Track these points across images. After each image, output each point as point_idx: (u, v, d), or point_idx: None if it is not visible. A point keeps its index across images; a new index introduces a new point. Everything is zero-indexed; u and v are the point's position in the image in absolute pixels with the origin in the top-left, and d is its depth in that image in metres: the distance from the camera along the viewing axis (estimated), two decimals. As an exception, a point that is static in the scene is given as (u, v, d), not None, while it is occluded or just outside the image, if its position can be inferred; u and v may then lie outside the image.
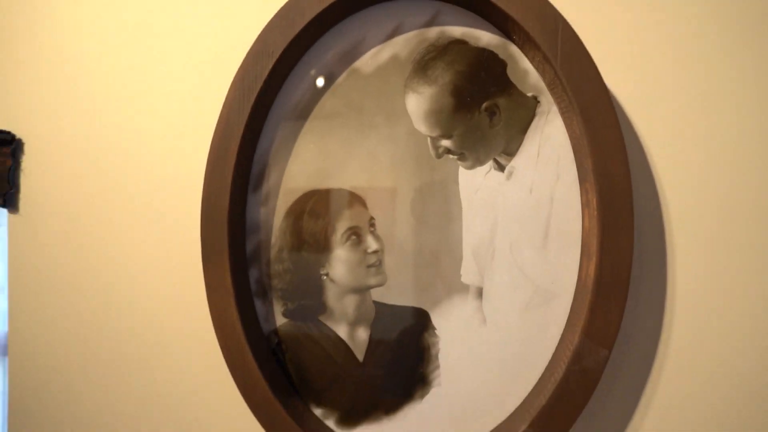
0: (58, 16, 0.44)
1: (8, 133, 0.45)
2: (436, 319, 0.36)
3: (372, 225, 0.36)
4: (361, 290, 0.37)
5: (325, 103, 0.37)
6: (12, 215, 0.46)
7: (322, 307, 0.37)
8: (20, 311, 0.46)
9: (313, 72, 0.37)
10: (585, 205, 0.32)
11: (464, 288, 0.35)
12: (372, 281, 0.36)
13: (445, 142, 0.35)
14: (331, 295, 0.37)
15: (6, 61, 0.45)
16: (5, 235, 0.47)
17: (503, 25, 0.33)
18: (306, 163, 0.38)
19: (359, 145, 0.37)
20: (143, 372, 0.42)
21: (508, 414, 0.35)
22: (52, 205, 0.45)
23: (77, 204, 0.44)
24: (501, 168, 0.35)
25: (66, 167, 0.44)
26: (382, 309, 0.37)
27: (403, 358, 0.36)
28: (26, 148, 0.45)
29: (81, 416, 0.44)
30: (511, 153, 0.35)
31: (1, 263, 0.48)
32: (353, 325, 0.37)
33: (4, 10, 0.46)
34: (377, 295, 0.37)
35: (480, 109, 0.35)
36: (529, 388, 0.34)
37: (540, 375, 0.34)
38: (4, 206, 0.45)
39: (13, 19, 0.45)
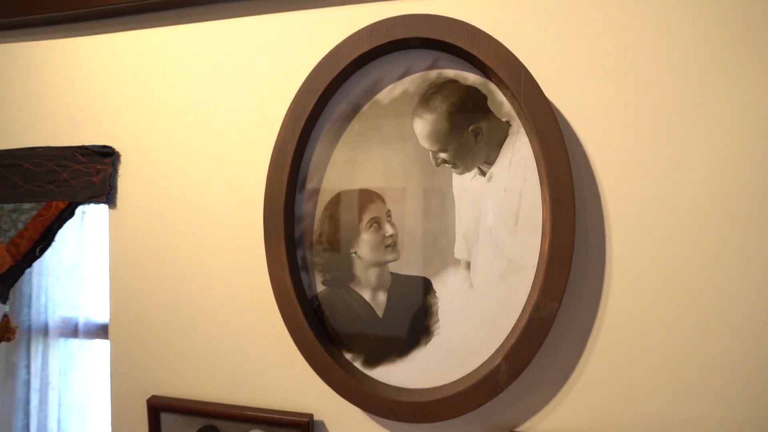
0: (149, 60, 0.58)
1: (110, 147, 0.59)
2: (436, 285, 0.49)
3: (389, 215, 0.49)
4: (381, 264, 0.50)
5: (354, 126, 0.50)
6: (112, 210, 0.60)
7: (351, 277, 0.51)
8: (119, 290, 0.60)
9: (345, 103, 0.50)
10: (543, 201, 0.45)
11: (457, 262, 0.48)
12: (389, 257, 0.49)
13: (442, 155, 0.48)
14: (358, 268, 0.50)
15: (109, 96, 0.59)
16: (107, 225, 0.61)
17: (483, 70, 0.46)
18: (339, 170, 0.51)
19: (379, 156, 0.50)
20: (222, 327, 0.55)
21: (490, 354, 0.47)
22: (142, 202, 0.59)
23: (164, 200, 0.58)
24: (483, 173, 0.47)
25: (153, 173, 0.58)
26: (397, 278, 0.50)
27: (412, 314, 0.49)
28: (122, 159, 0.59)
29: (177, 385, 0.57)
30: (490, 162, 0.47)
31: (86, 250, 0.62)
32: (375, 290, 0.50)
33: (105, 55, 0.60)
34: (393, 267, 0.50)
35: (468, 130, 0.47)
36: (505, 334, 0.47)
37: (512, 324, 0.47)
38: (106, 203, 0.59)
39: (115, 62, 0.59)
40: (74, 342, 1.22)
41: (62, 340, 1.21)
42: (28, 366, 1.22)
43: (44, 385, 1.23)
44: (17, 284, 1.20)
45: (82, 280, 1.19)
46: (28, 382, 1.23)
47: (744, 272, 0.43)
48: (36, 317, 1.22)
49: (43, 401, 1.23)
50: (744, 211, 0.43)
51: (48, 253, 0.80)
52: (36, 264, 1.20)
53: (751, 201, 0.42)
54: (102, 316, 1.21)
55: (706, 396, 0.44)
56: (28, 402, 1.23)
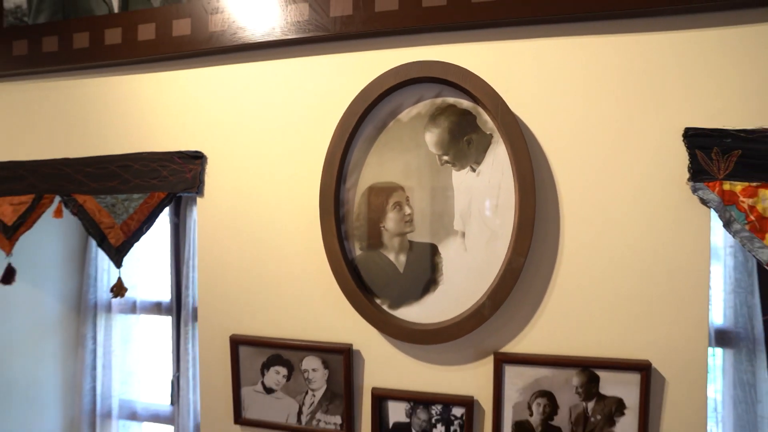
0: (231, 89, 0.79)
1: (200, 152, 0.81)
2: (441, 249, 0.69)
3: (407, 200, 0.70)
4: (402, 234, 0.71)
5: (382, 137, 0.71)
6: (200, 198, 0.81)
7: (380, 244, 0.71)
8: (206, 257, 0.81)
9: (376, 121, 0.71)
10: (515, 189, 0.66)
11: (455, 232, 0.69)
12: (407, 230, 0.70)
13: (445, 157, 0.69)
14: (386, 237, 0.71)
15: (200, 115, 0.81)
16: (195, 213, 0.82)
17: (474, 98, 0.67)
18: (372, 169, 0.72)
19: (400, 159, 0.71)
20: (286, 282, 0.76)
21: (479, 296, 0.68)
22: (223, 192, 0.80)
23: (240, 190, 0.79)
24: (474, 170, 0.68)
25: (232, 171, 0.80)
26: (413, 244, 0.70)
27: (424, 270, 0.70)
28: (208, 161, 0.81)
29: (251, 325, 0.78)
30: (479, 162, 0.68)
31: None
32: (397, 253, 0.71)
33: (196, 86, 0.81)
34: (410, 237, 0.70)
35: (463, 140, 0.68)
36: (489, 282, 0.67)
37: (494, 275, 0.67)
38: (197, 193, 0.81)
39: (204, 91, 0.81)
40: (132, 317, 1.45)
41: (122, 316, 1.45)
42: (94, 337, 1.46)
43: (107, 353, 1.48)
44: (85, 268, 1.44)
45: (138, 266, 1.43)
46: (94, 351, 1.47)
47: (655, 230, 0.63)
48: (100, 296, 1.46)
49: (107, 367, 1.47)
50: (653, 191, 0.63)
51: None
52: (100, 251, 1.43)
53: (657, 185, 0.63)
54: (154, 296, 1.44)
55: (632, 323, 0.64)
56: (94, 368, 1.47)
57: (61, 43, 0.84)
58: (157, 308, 1.46)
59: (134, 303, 1.48)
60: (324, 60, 0.74)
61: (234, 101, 0.79)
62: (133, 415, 1.51)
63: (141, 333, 1.51)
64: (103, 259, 1.46)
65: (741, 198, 0.62)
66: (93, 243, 1.40)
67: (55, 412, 1.44)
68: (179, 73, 0.81)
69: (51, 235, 1.29)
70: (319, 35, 0.72)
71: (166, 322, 1.43)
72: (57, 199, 0.88)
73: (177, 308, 1.40)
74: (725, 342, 0.96)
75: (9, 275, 0.93)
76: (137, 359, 1.51)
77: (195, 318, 1.34)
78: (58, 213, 0.88)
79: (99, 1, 0.84)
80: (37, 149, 0.89)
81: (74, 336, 1.50)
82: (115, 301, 1.48)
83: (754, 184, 0.61)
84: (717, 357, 0.96)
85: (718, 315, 0.96)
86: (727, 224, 0.62)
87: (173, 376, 1.40)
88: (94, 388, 1.50)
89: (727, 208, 0.62)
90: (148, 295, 1.47)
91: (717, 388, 0.94)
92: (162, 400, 1.46)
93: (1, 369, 1.27)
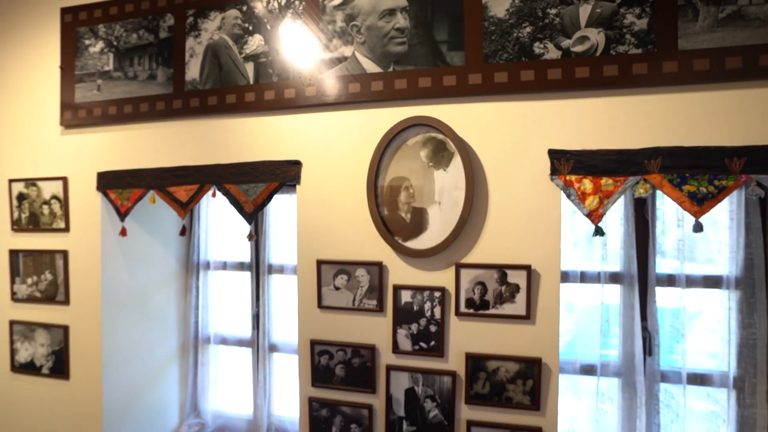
0: (318, 122, 1.49)
1: (299, 160, 1.51)
2: (428, 211, 1.38)
3: (411, 186, 1.39)
4: (408, 203, 1.39)
5: (397, 154, 1.40)
6: (299, 186, 1.51)
7: (397, 209, 1.40)
8: (303, 222, 1.51)
9: (393, 146, 1.40)
10: (465, 179, 1.34)
11: (435, 202, 1.37)
12: (410, 201, 1.39)
13: (430, 164, 1.38)
14: (399, 205, 1.40)
15: (299, 139, 1.51)
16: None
17: (444, 133, 1.36)
18: (392, 170, 1.41)
19: (407, 165, 1.39)
20: (345, 229, 1.46)
21: (447, 234, 1.36)
22: (312, 183, 1.50)
23: (321, 182, 1.49)
24: (445, 170, 1.37)
25: (318, 170, 1.49)
26: (413, 208, 1.39)
27: (419, 221, 1.39)
28: (303, 165, 1.51)
29: (328, 253, 1.48)
30: (447, 166, 1.36)
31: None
32: (405, 213, 1.40)
33: (297, 121, 1.52)
34: (412, 205, 1.39)
35: (439, 154, 1.37)
36: (452, 227, 1.35)
37: (455, 224, 1.35)
38: (298, 183, 1.51)
39: (301, 123, 1.51)
40: (223, 273, 2.15)
41: (216, 271, 2.15)
42: (197, 286, 2.16)
43: (205, 297, 2.18)
44: (191, 238, 2.13)
45: (227, 235, 2.13)
46: (197, 296, 2.16)
47: (535, 198, 1.31)
48: (201, 257, 2.16)
49: (204, 306, 2.17)
50: (534, 179, 1.31)
51: (210, 216, 1.71)
52: (202, 222, 2.13)
53: (537, 176, 1.31)
54: (239, 257, 2.12)
55: (522, 246, 1.32)
56: (197, 307, 2.17)
57: (221, 100, 1.55)
58: (240, 266, 2.17)
59: (225, 263, 2.19)
60: (368, 112, 1.44)
61: (318, 132, 1.49)
62: (223, 341, 2.22)
63: (229, 283, 2.21)
64: (201, 234, 2.17)
65: (574, 183, 1.29)
66: (196, 222, 2.09)
67: (174, 335, 2.15)
68: (287, 117, 1.52)
69: (173, 217, 2.00)
70: (366, 100, 1.41)
71: (246, 276, 2.13)
72: (213, 187, 1.59)
73: (256, 265, 2.10)
74: (615, 280, 1.65)
75: (183, 231, 1.65)
76: (226, 302, 2.22)
77: (270, 272, 2.04)
78: (213, 194, 1.58)
79: (241, 76, 1.55)
80: (202, 158, 1.60)
81: (184, 285, 2.21)
82: (212, 261, 2.19)
83: (580, 176, 1.29)
84: (610, 291, 1.63)
85: (615, 262, 1.63)
86: (568, 196, 1.30)
87: (253, 311, 2.10)
88: (196, 322, 2.21)
89: (567, 188, 1.30)
90: (235, 256, 2.17)
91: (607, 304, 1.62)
92: (243, 331, 2.16)
93: (146, 301, 1.98)
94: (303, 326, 1.51)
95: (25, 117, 1.83)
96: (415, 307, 1.39)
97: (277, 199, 1.70)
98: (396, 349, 1.41)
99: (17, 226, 1.84)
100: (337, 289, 1.46)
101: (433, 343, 1.38)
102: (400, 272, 1.41)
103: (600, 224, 1.27)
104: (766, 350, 1.58)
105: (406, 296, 1.40)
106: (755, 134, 1.15)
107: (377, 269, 1.41)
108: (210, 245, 2.19)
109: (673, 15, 1.20)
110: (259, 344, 2.08)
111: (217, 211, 2.13)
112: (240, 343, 2.16)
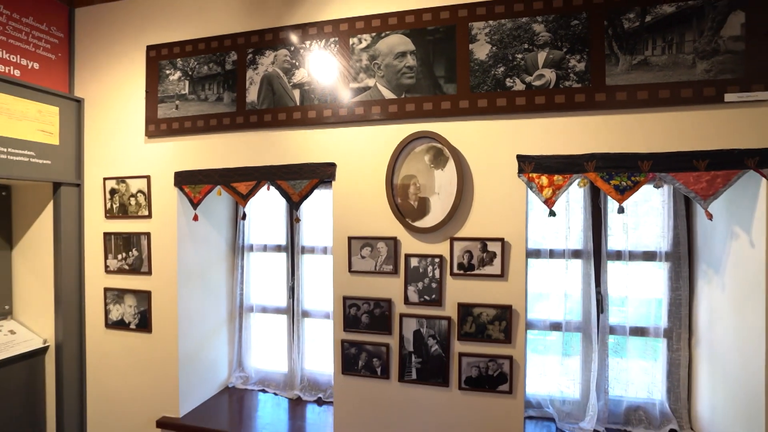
0: (348, 136, 2.04)
1: (333, 162, 2.05)
2: (430, 199, 1.92)
3: (417, 181, 1.94)
4: (415, 194, 1.94)
5: (407, 158, 1.95)
6: (335, 183, 2.06)
7: (407, 198, 1.94)
8: (338, 207, 2.07)
9: (404, 153, 1.95)
10: (457, 177, 1.89)
11: (436, 193, 1.91)
12: (417, 193, 1.93)
13: (431, 165, 1.92)
14: (409, 196, 1.95)
15: (335, 146, 2.06)
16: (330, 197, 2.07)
17: (441, 143, 1.90)
18: (403, 170, 1.95)
19: (415, 166, 1.94)
20: (370, 213, 2.01)
21: (444, 215, 1.90)
22: (345, 181, 2.04)
23: (352, 179, 2.03)
24: (442, 170, 1.91)
25: (349, 170, 2.04)
26: (419, 198, 1.93)
27: (424, 207, 1.93)
28: (338, 166, 2.05)
29: (355, 231, 2.04)
30: (444, 167, 1.91)
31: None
32: (413, 201, 1.94)
33: (334, 133, 2.07)
34: (418, 195, 1.94)
35: (438, 158, 1.92)
36: (447, 210, 1.90)
37: (450, 206, 1.90)
38: (333, 180, 2.05)
39: (336, 135, 2.06)
40: (263, 254, 2.70)
41: (257, 252, 2.70)
42: (242, 266, 2.71)
43: (248, 274, 2.73)
44: (237, 225, 2.69)
45: (268, 222, 2.68)
46: (242, 273, 2.71)
47: (507, 191, 1.85)
48: (246, 241, 2.71)
49: (247, 282, 2.72)
50: (507, 176, 1.85)
51: (252, 209, 2.26)
52: (246, 210, 2.70)
53: (507, 174, 1.85)
54: (276, 240, 2.67)
55: (497, 223, 1.86)
56: (241, 282, 2.72)
57: (274, 117, 2.11)
58: (278, 248, 2.72)
59: (265, 245, 2.74)
60: (386, 128, 1.98)
61: (348, 142, 2.04)
62: (263, 309, 2.76)
63: (268, 263, 2.76)
64: (245, 222, 2.71)
65: (535, 179, 1.83)
66: (240, 212, 2.64)
67: (224, 305, 2.70)
68: (325, 130, 2.07)
69: (223, 208, 2.55)
70: (384, 119, 1.96)
71: (283, 256, 2.67)
72: (268, 182, 2.14)
73: (291, 247, 2.65)
74: (576, 255, 2.18)
75: (244, 216, 2.21)
76: (265, 277, 2.77)
77: (302, 252, 2.58)
78: (268, 188, 2.13)
79: (290, 99, 2.10)
80: (259, 160, 2.15)
81: (231, 264, 2.76)
82: (255, 244, 2.74)
83: (539, 174, 1.83)
84: (572, 264, 2.17)
85: (576, 242, 2.17)
86: (530, 189, 1.84)
87: (288, 284, 2.64)
88: (241, 294, 2.76)
89: (530, 183, 1.84)
90: (273, 240, 2.72)
91: (569, 275, 2.17)
92: (279, 301, 2.69)
93: (204, 275, 2.53)
94: (337, 286, 2.06)
95: (117, 129, 2.39)
96: (421, 270, 1.94)
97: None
98: (407, 301, 1.96)
99: (109, 214, 2.40)
100: (363, 257, 2.00)
101: (434, 296, 1.92)
102: (410, 244, 1.95)
103: (553, 209, 1.81)
104: (688, 308, 2.12)
105: (414, 262, 1.94)
106: (657, 144, 1.69)
107: (393, 242, 1.96)
108: (252, 231, 2.74)
109: (601, 61, 1.74)
110: (293, 311, 2.63)
111: (257, 205, 2.68)
112: (277, 311, 2.71)
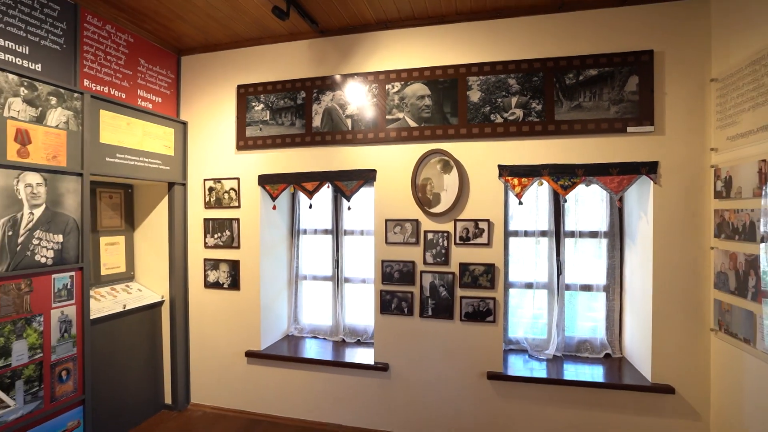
0: (378, 153, 3.10)
1: (374, 169, 3.09)
2: (441, 194, 2.97)
3: (432, 182, 2.99)
4: (431, 191, 2.99)
5: (425, 167, 3.00)
6: (375, 183, 3.11)
7: (425, 193, 3.00)
8: (379, 203, 3.13)
9: (423, 163, 3.00)
10: (459, 180, 2.94)
11: (445, 190, 2.95)
12: (433, 189, 2.99)
13: (442, 171, 2.97)
14: (426, 192, 3.00)
15: (375, 158, 3.11)
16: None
17: (449, 157, 2.95)
18: (422, 175, 2.99)
19: (430, 172, 2.98)
20: (401, 206, 3.06)
21: (451, 203, 2.95)
22: (382, 181, 3.09)
23: (388, 180, 3.09)
24: (449, 174, 2.96)
25: (384, 174, 3.09)
26: (433, 194, 2.98)
27: (437, 199, 2.98)
28: (378, 172, 3.10)
29: (399, 216, 3.10)
30: (450, 172, 2.96)
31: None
32: (430, 195, 2.99)
33: (375, 150, 3.12)
34: (433, 191, 2.99)
35: (446, 167, 2.97)
36: (452, 201, 2.95)
37: (455, 196, 2.95)
38: (374, 181, 3.10)
39: (376, 152, 3.11)
40: (314, 236, 3.76)
41: (309, 235, 3.77)
42: (297, 245, 3.78)
43: (300, 250, 3.79)
44: (294, 214, 3.78)
45: (320, 214, 3.71)
46: (297, 255, 3.77)
47: (491, 188, 2.90)
48: (300, 227, 3.78)
49: (302, 257, 3.77)
50: (491, 178, 2.91)
51: (302, 203, 3.30)
52: (301, 210, 3.78)
53: (491, 177, 2.91)
54: (324, 225, 3.70)
55: (484, 210, 2.91)
56: (297, 257, 3.77)
57: (333, 137, 3.16)
58: (325, 231, 3.78)
59: (315, 230, 3.80)
60: (411, 146, 3.02)
61: (385, 156, 3.08)
62: (314, 277, 3.82)
63: (317, 243, 3.80)
64: (299, 211, 3.78)
65: (509, 181, 2.88)
66: (297, 204, 3.71)
67: (285, 273, 3.75)
68: (369, 147, 3.12)
69: (285, 203, 3.61)
70: (409, 140, 3.01)
71: (329, 238, 3.72)
72: (327, 183, 3.19)
73: (336, 229, 3.71)
74: (543, 234, 3.25)
75: (310, 206, 3.26)
76: (315, 254, 3.81)
77: (344, 234, 3.63)
78: (328, 187, 3.18)
79: (344, 125, 3.16)
80: (321, 167, 3.20)
81: (290, 244, 3.82)
82: (308, 228, 3.79)
83: (512, 177, 2.88)
84: (541, 241, 3.23)
85: (543, 224, 3.24)
86: (506, 187, 2.89)
87: (333, 258, 3.70)
88: (297, 266, 3.82)
89: (506, 183, 2.89)
90: (321, 225, 3.77)
91: (538, 247, 3.24)
92: (326, 271, 3.74)
93: (275, 250, 3.58)
94: (377, 253, 3.10)
95: (216, 145, 3.45)
96: (434, 241, 2.99)
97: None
98: (425, 262, 3.01)
99: (208, 205, 3.45)
100: (395, 233, 3.05)
101: (443, 258, 2.97)
102: (427, 224, 3.00)
103: (522, 200, 2.86)
104: (619, 270, 3.17)
105: (429, 236, 2.99)
106: (587, 158, 2.74)
107: (416, 223, 3.01)
108: (304, 219, 3.80)
109: (552, 104, 2.80)
110: (337, 278, 3.68)
111: (306, 201, 3.72)
112: (325, 278, 3.76)
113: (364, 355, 3.24)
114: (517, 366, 2.95)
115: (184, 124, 3.49)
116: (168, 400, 3.47)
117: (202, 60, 3.49)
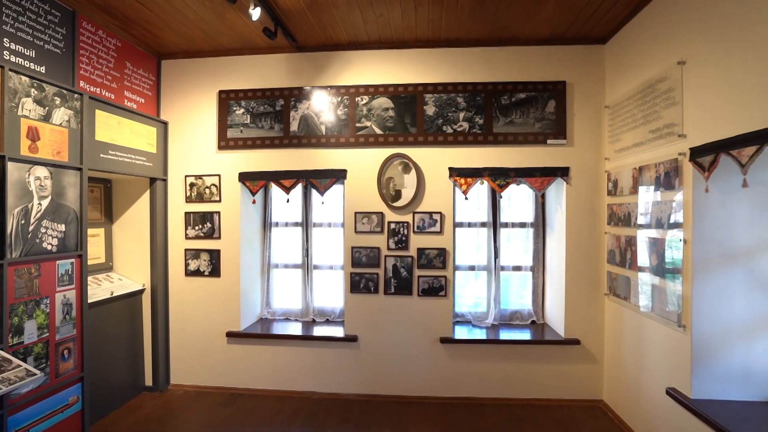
0: (351, 156, 3.68)
1: (345, 169, 3.66)
2: (402, 191, 3.62)
3: (394, 180, 3.62)
4: (393, 187, 3.63)
5: (388, 168, 3.62)
6: (346, 180, 3.67)
7: (388, 189, 3.62)
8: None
9: (387, 165, 3.63)
10: (416, 179, 3.60)
11: (405, 186, 3.60)
12: (395, 187, 3.62)
13: (403, 171, 3.62)
14: (390, 188, 3.63)
15: (347, 159, 3.68)
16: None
17: (409, 160, 3.60)
18: (387, 175, 3.62)
19: (393, 172, 3.61)
20: (368, 199, 3.66)
21: (409, 200, 3.61)
22: (351, 179, 3.67)
23: (358, 177, 3.67)
24: (408, 173, 3.61)
25: (354, 174, 3.67)
26: (396, 191, 3.62)
27: (397, 195, 3.62)
28: (348, 172, 3.67)
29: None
30: (409, 172, 3.61)
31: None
32: (390, 190, 3.63)
33: (344, 153, 3.69)
34: (395, 188, 3.62)
35: (406, 168, 3.61)
36: (411, 197, 3.60)
37: (412, 195, 3.60)
38: (344, 179, 3.67)
39: (346, 155, 3.69)
40: (285, 228, 4.27)
41: (281, 227, 4.27)
42: (270, 237, 4.26)
43: (271, 241, 4.27)
44: (266, 209, 4.26)
45: (288, 208, 4.22)
46: (269, 246, 4.25)
47: (444, 187, 3.60)
48: (272, 220, 4.26)
49: (271, 248, 4.25)
50: (443, 179, 3.60)
51: (274, 198, 3.83)
52: (273, 201, 4.30)
53: (443, 177, 3.60)
54: (293, 218, 4.23)
55: (439, 204, 3.60)
56: (269, 247, 4.25)
57: (308, 141, 3.68)
58: (295, 224, 4.29)
59: (286, 222, 4.30)
60: (377, 150, 3.62)
61: (355, 157, 3.66)
62: (285, 266, 4.31)
63: (287, 235, 4.30)
64: (271, 206, 4.26)
65: (457, 180, 3.59)
66: (269, 199, 4.19)
67: (258, 262, 4.21)
68: (341, 150, 3.66)
69: (260, 197, 4.08)
70: (376, 145, 3.62)
71: (299, 230, 4.23)
72: (303, 180, 3.70)
73: (305, 222, 4.24)
74: (483, 225, 4.00)
75: (288, 201, 3.76)
76: (286, 244, 4.31)
77: (313, 226, 4.17)
78: (304, 184, 3.69)
79: (319, 131, 3.69)
80: (297, 166, 3.71)
81: (262, 237, 4.28)
82: (279, 220, 4.27)
83: (459, 177, 3.60)
84: (481, 231, 3.99)
85: (483, 217, 3.99)
86: (455, 185, 3.60)
87: (303, 247, 4.22)
88: (269, 256, 4.29)
89: (455, 182, 3.60)
90: (290, 218, 4.28)
91: (479, 236, 3.99)
92: (296, 259, 4.24)
93: (251, 241, 4.02)
94: (347, 240, 3.67)
95: (197, 144, 3.82)
96: (397, 230, 3.63)
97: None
98: (388, 248, 3.63)
99: (189, 200, 3.82)
100: (363, 224, 3.64)
101: (404, 244, 3.62)
102: (390, 215, 3.63)
103: (467, 196, 3.58)
104: (542, 254, 4.01)
105: (392, 225, 3.62)
106: (518, 163, 3.53)
107: (381, 215, 3.63)
108: (276, 213, 4.26)
109: (491, 119, 3.55)
110: (307, 266, 4.20)
111: (278, 197, 4.20)
112: (295, 266, 4.26)
113: (333, 332, 3.79)
114: (463, 333, 3.67)
115: (165, 123, 3.82)
116: (149, 382, 3.78)
117: (183, 65, 3.84)
